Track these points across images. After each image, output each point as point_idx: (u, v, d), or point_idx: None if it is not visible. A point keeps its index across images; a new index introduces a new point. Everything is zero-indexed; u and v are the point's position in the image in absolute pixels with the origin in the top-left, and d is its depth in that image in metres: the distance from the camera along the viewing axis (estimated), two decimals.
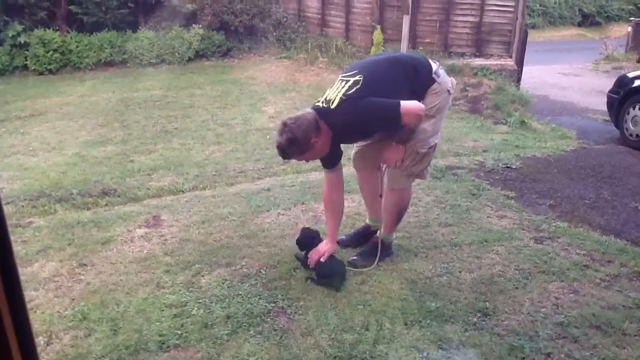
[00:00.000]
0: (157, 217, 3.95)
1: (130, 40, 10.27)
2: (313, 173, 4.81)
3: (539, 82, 10.26)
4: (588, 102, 8.97)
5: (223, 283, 3.03)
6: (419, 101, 2.90)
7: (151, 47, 10.25)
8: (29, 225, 3.85)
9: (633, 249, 3.55)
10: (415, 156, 3.08)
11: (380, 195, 3.28)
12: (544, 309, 2.83)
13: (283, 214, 3.98)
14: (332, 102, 2.85)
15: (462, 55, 9.39)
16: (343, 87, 2.88)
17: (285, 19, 11.16)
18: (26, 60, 9.72)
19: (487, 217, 3.98)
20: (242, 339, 2.56)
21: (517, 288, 3.02)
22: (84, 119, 6.91)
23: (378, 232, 3.37)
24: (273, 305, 2.83)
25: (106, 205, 4.26)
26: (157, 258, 3.33)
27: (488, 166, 5.15)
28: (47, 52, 9.68)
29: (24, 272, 3.17)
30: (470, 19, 9.46)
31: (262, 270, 3.16)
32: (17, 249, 3.44)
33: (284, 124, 2.82)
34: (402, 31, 9.33)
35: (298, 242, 3.16)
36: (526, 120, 7.02)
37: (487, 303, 2.86)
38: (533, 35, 14.49)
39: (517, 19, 9.10)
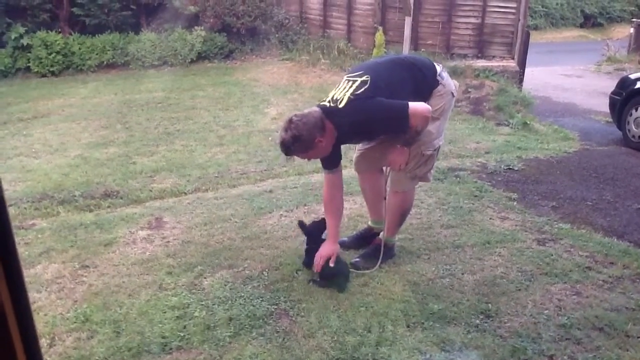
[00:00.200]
0: (160, 219, 3.95)
1: (132, 42, 10.29)
2: (315, 175, 4.81)
3: (541, 84, 10.25)
4: (590, 103, 8.96)
5: (225, 285, 3.03)
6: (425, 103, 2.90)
7: (153, 49, 10.27)
8: (31, 227, 3.86)
9: (636, 250, 3.54)
10: (420, 158, 3.07)
11: (384, 198, 3.27)
12: (546, 311, 2.82)
13: (285, 216, 3.98)
14: (340, 102, 2.82)
15: (464, 56, 9.38)
16: (350, 86, 2.85)
17: (287, 21, 11.18)
18: (29, 62, 9.74)
19: (490, 218, 3.98)
20: (245, 341, 2.56)
21: (519, 290, 3.02)
22: (87, 121, 6.93)
23: (380, 234, 3.37)
24: (275, 307, 2.83)
25: (108, 207, 4.27)
26: (159, 260, 3.34)
27: (490, 168, 5.15)
28: (50, 54, 9.71)
29: (27, 274, 3.17)
30: (473, 20, 9.45)
31: (264, 272, 3.16)
32: (20, 250, 3.42)
33: (290, 121, 2.80)
34: (404, 33, 9.34)
35: (307, 233, 3.17)
36: (528, 122, 7.02)
37: (489, 305, 2.86)
38: (535, 37, 14.50)
39: (519, 20, 9.09)
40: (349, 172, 4.34)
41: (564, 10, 21.68)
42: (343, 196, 3.14)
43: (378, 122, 2.84)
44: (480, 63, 9.02)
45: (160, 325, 2.67)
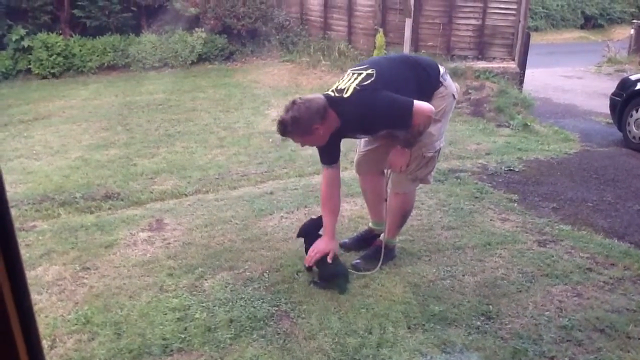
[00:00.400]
0: (160, 221, 3.95)
1: (133, 44, 10.30)
2: (316, 177, 4.81)
3: (542, 85, 10.25)
4: (591, 104, 8.96)
5: (226, 287, 3.03)
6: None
7: (154, 50, 10.29)
8: (32, 229, 3.86)
9: (636, 251, 3.54)
10: (421, 160, 3.07)
11: (385, 200, 3.27)
12: (547, 313, 2.82)
13: (286, 218, 3.98)
14: (345, 91, 2.81)
15: (465, 58, 9.38)
16: (356, 78, 2.84)
17: (287, 23, 11.19)
18: (29, 64, 9.76)
19: (490, 220, 3.98)
20: (245, 342, 2.56)
21: (520, 291, 3.02)
22: (87, 123, 6.93)
23: (381, 235, 3.37)
24: (276, 309, 2.83)
25: (109, 208, 4.27)
26: (160, 262, 3.34)
27: (491, 169, 5.15)
28: (51, 55, 9.73)
29: (28, 276, 3.17)
30: (473, 22, 9.46)
31: (265, 274, 3.16)
32: (21, 252, 3.44)
33: (293, 102, 2.79)
34: (404, 34, 9.35)
35: (303, 232, 3.18)
36: (529, 123, 7.01)
37: (490, 306, 2.86)
38: (535, 38, 14.51)
39: (519, 21, 9.09)
40: (349, 173, 4.35)
41: (564, 12, 21.68)
42: (340, 194, 3.12)
43: (382, 115, 2.80)
44: (481, 64, 9.03)
45: (161, 327, 2.67)
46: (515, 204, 4.31)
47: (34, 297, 2.94)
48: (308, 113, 2.74)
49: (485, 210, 4.16)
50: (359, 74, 2.86)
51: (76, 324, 2.70)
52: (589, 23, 22.08)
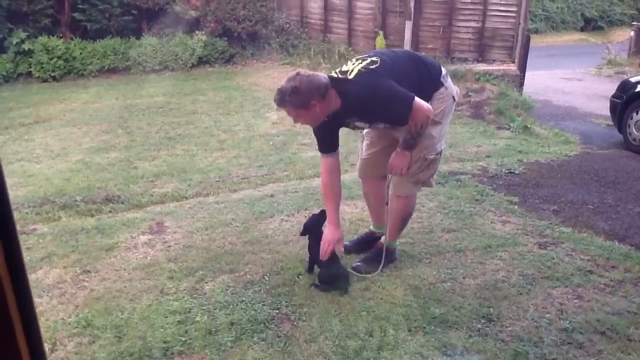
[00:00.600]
0: (161, 224, 3.95)
1: (133, 47, 10.31)
2: (316, 179, 4.81)
3: (542, 87, 10.25)
4: (591, 106, 8.96)
5: (227, 289, 3.03)
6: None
7: (154, 53, 10.29)
8: (33, 232, 3.86)
9: (637, 254, 3.54)
10: (423, 163, 3.06)
11: (387, 203, 3.27)
12: (548, 315, 2.82)
13: (286, 220, 3.98)
14: (350, 73, 2.83)
15: (465, 60, 9.39)
16: (360, 63, 2.87)
17: (287, 25, 11.20)
18: (30, 67, 9.76)
19: (491, 222, 3.98)
20: (246, 345, 2.56)
21: (521, 294, 3.01)
22: (88, 126, 6.94)
23: (382, 238, 3.37)
24: (277, 311, 2.83)
25: (110, 211, 4.27)
26: (160, 264, 3.34)
27: (491, 171, 5.15)
28: (51, 59, 9.73)
29: (29, 279, 3.17)
30: (473, 24, 9.47)
31: (265, 277, 3.16)
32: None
33: (297, 73, 2.82)
34: (404, 37, 9.37)
35: (306, 229, 3.18)
36: (529, 125, 7.01)
37: (491, 309, 2.85)
38: (535, 40, 14.50)
39: (519, 24, 9.10)
40: (350, 175, 4.36)
41: (564, 14, 21.70)
42: (340, 180, 3.11)
43: (382, 103, 2.81)
44: (481, 67, 9.03)
45: (162, 330, 2.67)
46: (516, 207, 4.31)
47: (35, 300, 2.92)
48: (309, 87, 2.74)
49: (486, 212, 4.16)
50: (364, 60, 2.90)
51: (77, 327, 2.70)
52: (589, 25, 22.10)
